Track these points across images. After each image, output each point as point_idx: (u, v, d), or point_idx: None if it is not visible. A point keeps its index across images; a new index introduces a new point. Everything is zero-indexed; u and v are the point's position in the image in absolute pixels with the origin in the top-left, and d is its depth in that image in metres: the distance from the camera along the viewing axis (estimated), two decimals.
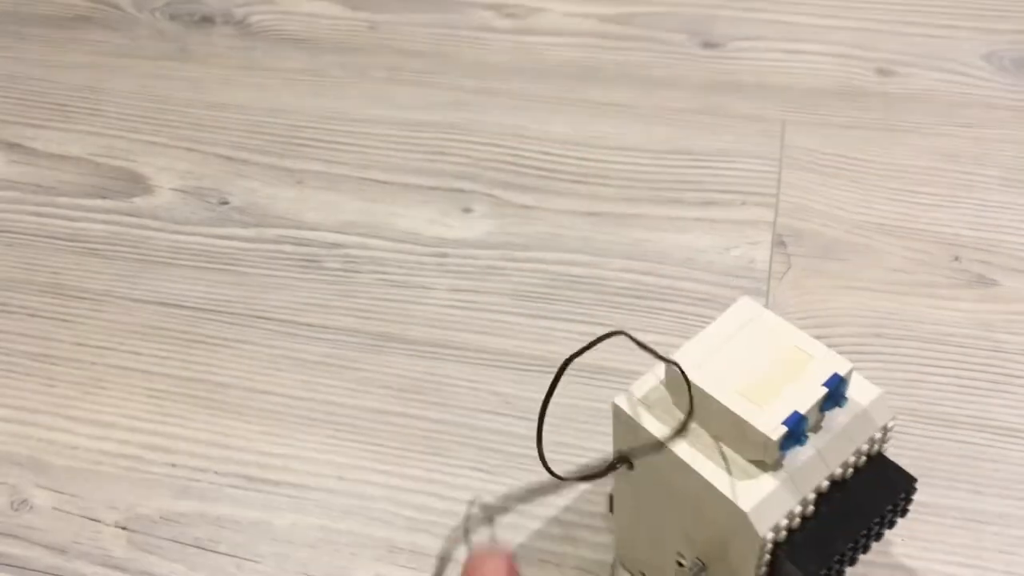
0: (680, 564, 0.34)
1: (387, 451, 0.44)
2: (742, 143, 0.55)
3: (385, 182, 0.55)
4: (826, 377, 0.29)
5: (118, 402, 0.46)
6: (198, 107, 0.60)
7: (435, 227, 0.53)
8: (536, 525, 0.41)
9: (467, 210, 0.54)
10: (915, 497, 0.31)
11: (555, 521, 0.41)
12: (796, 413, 0.28)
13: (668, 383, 0.31)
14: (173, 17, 0.66)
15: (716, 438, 0.30)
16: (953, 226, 0.51)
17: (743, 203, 0.53)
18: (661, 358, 0.30)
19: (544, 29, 0.63)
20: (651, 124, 0.57)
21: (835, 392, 0.29)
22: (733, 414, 0.29)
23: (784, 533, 0.29)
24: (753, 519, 0.29)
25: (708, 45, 0.61)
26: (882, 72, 0.59)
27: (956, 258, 0.49)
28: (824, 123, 0.56)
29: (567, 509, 0.41)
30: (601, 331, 0.47)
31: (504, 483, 0.42)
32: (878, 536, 0.31)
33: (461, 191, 0.55)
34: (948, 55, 0.59)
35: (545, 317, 0.49)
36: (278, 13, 0.66)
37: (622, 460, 0.32)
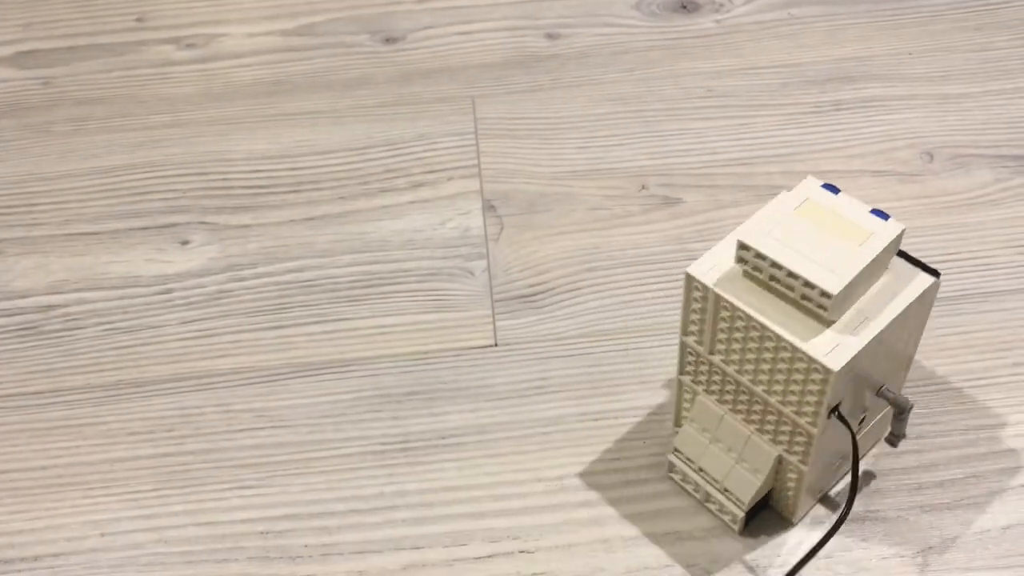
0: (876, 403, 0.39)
1: (145, 495, 0.43)
2: (438, 125, 0.58)
3: (92, 233, 0.54)
4: (843, 195, 0.37)
5: None
6: None
7: (154, 265, 0.52)
8: (308, 522, 0.42)
9: (185, 242, 0.53)
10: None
11: (324, 515, 0.42)
12: (875, 210, 0.36)
13: (832, 308, 0.34)
14: None
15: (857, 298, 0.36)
16: (636, 160, 0.56)
17: (449, 179, 0.55)
18: None
19: (228, 53, 0.64)
20: (350, 124, 0.59)
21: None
22: (875, 259, 0.34)
23: None
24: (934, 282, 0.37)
25: (390, 41, 0.64)
26: (550, 37, 0.63)
27: (643, 187, 0.54)
28: (509, 91, 0.60)
29: (337, 499, 0.42)
30: (343, 325, 0.49)
31: (268, 493, 0.43)
32: None
33: (175, 225, 0.54)
34: (604, 11, 0.65)
35: (283, 326, 0.49)
36: None
37: (835, 409, 0.36)
